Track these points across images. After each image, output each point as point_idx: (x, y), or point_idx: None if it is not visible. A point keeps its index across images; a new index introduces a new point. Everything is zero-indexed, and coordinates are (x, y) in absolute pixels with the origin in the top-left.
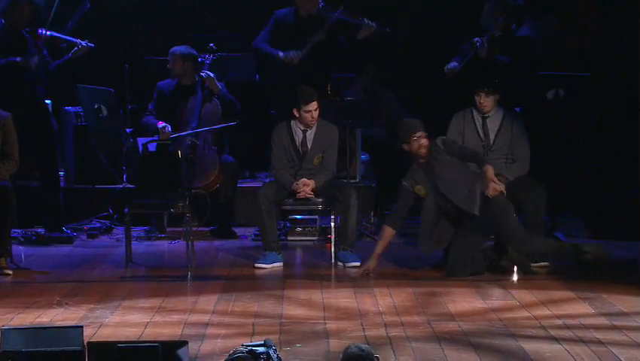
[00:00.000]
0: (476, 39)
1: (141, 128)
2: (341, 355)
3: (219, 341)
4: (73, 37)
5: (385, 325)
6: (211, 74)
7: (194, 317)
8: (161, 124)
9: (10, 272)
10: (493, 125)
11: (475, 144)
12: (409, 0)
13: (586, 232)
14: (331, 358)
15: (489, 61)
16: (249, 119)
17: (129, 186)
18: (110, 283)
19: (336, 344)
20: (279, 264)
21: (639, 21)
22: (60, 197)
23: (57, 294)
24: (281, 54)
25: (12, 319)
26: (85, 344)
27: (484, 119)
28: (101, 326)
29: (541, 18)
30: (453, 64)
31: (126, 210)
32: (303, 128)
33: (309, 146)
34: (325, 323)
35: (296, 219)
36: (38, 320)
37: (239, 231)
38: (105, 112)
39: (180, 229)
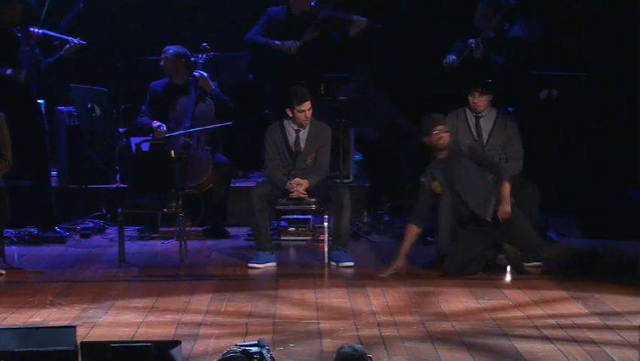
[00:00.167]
0: (471, 40)
1: (135, 130)
2: (334, 355)
3: (212, 340)
4: (66, 36)
5: (379, 325)
6: (205, 74)
7: (187, 317)
8: (156, 123)
9: (3, 272)
10: (486, 125)
11: None
12: None
13: (579, 231)
14: (325, 358)
15: (483, 62)
16: (242, 119)
17: (122, 185)
18: (103, 283)
19: (329, 344)
20: (272, 264)
21: (639, 21)
22: (52, 197)
23: (50, 294)
24: (278, 43)
25: (5, 319)
26: (78, 344)
27: (477, 118)
28: (94, 325)
29: (534, 18)
30: (452, 57)
31: (119, 209)
32: (296, 128)
33: (303, 146)
34: (319, 323)
35: (289, 218)
36: (30, 319)
37: (232, 231)
38: (98, 112)
39: (173, 228)
